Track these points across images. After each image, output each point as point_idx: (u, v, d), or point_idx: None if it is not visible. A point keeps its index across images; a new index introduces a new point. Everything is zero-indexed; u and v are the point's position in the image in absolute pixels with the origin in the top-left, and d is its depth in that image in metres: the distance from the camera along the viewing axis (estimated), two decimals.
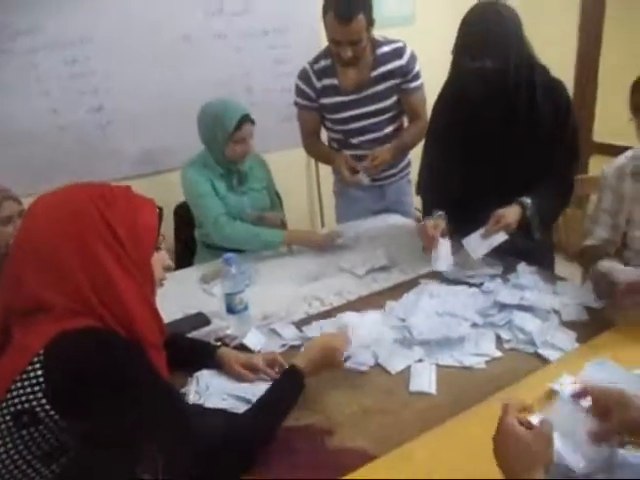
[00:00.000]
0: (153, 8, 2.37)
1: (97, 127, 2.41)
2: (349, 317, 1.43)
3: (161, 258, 1.10)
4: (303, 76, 2.07)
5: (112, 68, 2.36)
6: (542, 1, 2.99)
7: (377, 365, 1.29)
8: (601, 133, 3.07)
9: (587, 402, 0.91)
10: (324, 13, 1.86)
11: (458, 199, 1.69)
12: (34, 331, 0.91)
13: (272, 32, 2.62)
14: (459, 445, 1.02)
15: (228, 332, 1.47)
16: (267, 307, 1.58)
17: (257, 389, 1.19)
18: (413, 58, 1.99)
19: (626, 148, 1.64)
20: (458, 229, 1.70)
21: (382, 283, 1.70)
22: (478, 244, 1.59)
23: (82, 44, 2.28)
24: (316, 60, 2.05)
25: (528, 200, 1.60)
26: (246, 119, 1.84)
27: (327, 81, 2.03)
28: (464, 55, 1.49)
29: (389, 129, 2.11)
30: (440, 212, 1.71)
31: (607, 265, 1.43)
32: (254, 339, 1.41)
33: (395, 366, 1.27)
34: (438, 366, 1.26)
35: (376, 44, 1.97)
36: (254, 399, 1.14)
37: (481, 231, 1.59)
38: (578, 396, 0.92)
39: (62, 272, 0.93)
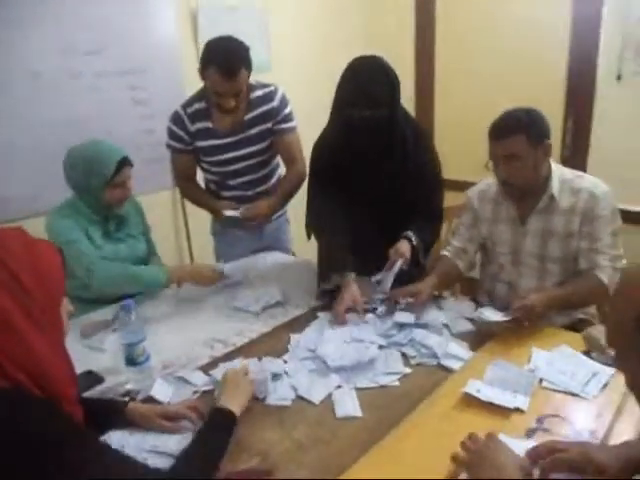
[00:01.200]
0: None
1: None
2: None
3: (64, 304, 0.99)
4: (176, 119, 2.02)
5: None
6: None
7: (299, 398, 1.28)
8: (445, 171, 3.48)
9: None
10: (204, 66, 1.85)
11: (348, 237, 1.76)
12: None
13: (130, 72, 2.52)
14: (399, 461, 1.05)
15: (128, 387, 1.34)
16: (165, 355, 1.48)
17: (179, 441, 1.12)
18: (284, 100, 2.06)
19: (469, 182, 1.90)
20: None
21: (280, 318, 1.70)
22: (385, 279, 1.68)
23: None
24: (189, 103, 2.02)
25: (412, 234, 1.74)
26: (125, 162, 1.73)
27: (201, 124, 2.01)
28: (355, 105, 1.58)
29: (265, 171, 2.15)
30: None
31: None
32: (162, 390, 1.30)
33: (317, 396, 1.28)
34: (357, 389, 1.30)
35: (250, 88, 2.00)
36: (178, 451, 1.06)
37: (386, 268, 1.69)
38: (535, 456, 0.94)
39: None
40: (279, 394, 1.28)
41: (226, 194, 2.14)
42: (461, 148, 2.81)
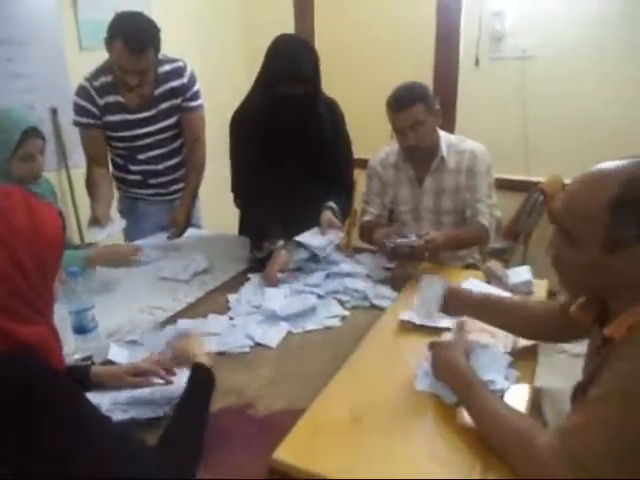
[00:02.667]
0: None
1: None
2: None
3: (59, 275, 0.94)
4: (83, 94, 1.93)
5: None
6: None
7: (257, 344, 1.37)
8: None
9: None
10: (110, 38, 1.79)
11: (272, 206, 1.81)
12: None
13: (6, 43, 2.31)
14: (364, 378, 1.21)
15: (76, 357, 1.31)
16: (107, 324, 1.46)
17: (151, 392, 1.14)
18: (193, 77, 2.05)
19: (362, 160, 2.11)
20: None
21: (211, 284, 1.75)
22: (322, 246, 1.76)
23: None
24: (95, 76, 1.94)
25: (333, 204, 1.86)
26: (32, 132, 1.60)
27: (110, 98, 1.94)
28: (285, 82, 1.64)
29: (175, 144, 2.13)
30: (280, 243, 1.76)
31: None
32: (118, 353, 1.30)
33: (272, 341, 1.38)
34: (306, 332, 1.43)
35: (158, 62, 1.96)
36: (155, 396, 1.11)
37: (316, 232, 1.78)
38: None
39: None
40: (237, 343, 1.36)
41: (135, 168, 2.10)
42: None
